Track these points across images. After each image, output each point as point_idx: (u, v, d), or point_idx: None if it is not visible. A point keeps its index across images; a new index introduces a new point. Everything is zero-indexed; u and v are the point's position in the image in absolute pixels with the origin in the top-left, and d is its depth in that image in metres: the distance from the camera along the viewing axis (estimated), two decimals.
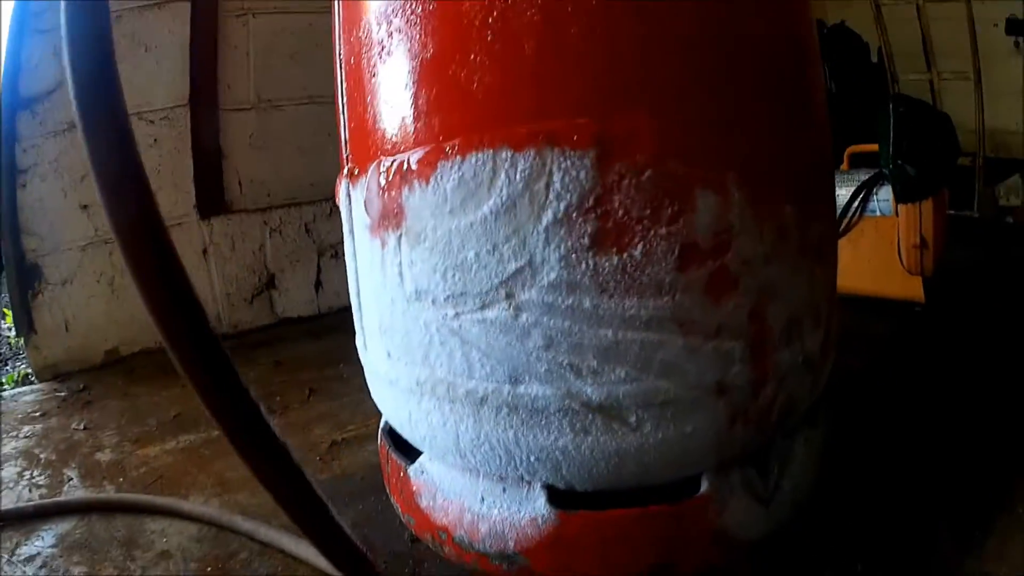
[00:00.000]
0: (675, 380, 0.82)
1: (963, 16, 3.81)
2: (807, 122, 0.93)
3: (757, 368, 0.87)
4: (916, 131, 2.31)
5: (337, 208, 3.09)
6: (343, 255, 2.92)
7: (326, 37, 2.93)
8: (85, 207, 2.54)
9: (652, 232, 0.76)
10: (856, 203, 2.36)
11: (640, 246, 0.76)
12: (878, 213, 2.37)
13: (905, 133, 2.29)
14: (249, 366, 2.30)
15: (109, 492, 1.52)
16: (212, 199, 2.76)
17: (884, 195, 2.36)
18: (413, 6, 0.83)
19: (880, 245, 2.39)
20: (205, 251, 2.72)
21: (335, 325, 2.52)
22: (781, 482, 1.01)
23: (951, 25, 3.89)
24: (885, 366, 1.86)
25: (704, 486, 0.92)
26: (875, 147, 2.30)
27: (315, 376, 2.10)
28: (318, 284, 2.91)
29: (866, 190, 2.35)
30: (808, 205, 0.91)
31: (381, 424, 1.21)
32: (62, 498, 1.49)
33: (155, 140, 2.73)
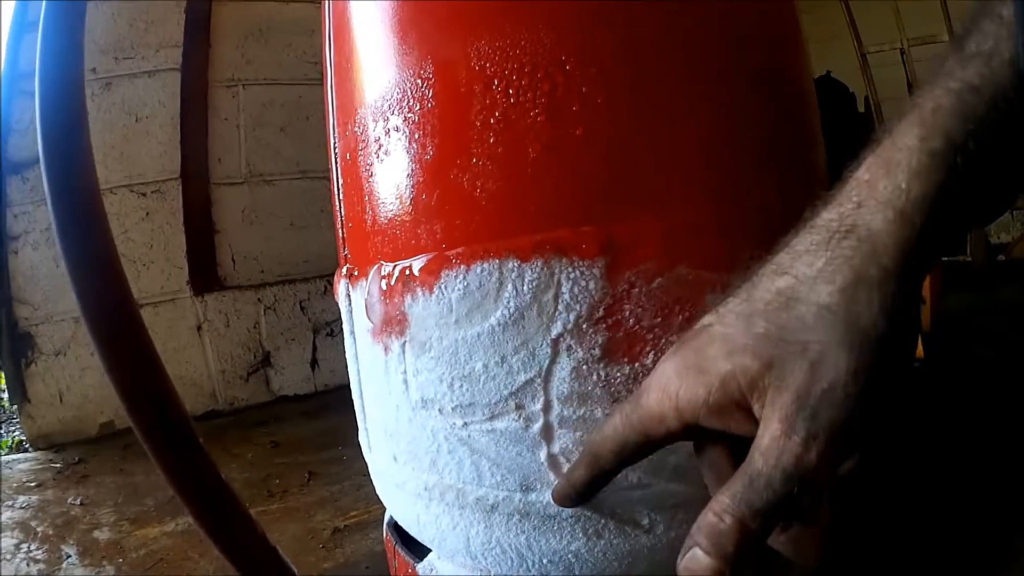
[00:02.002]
0: (686, 482, 0.80)
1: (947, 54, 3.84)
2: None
3: None
4: None
5: (331, 286, 3.10)
6: (338, 334, 2.90)
7: (316, 110, 2.96)
8: None
9: (663, 340, 0.75)
10: None
11: (652, 354, 0.75)
12: None
13: None
14: (247, 446, 2.29)
15: (109, 573, 1.50)
16: (205, 275, 2.77)
17: None
18: (411, 103, 0.81)
19: None
20: (199, 328, 2.72)
21: (332, 404, 2.53)
22: (790, 565, 1.00)
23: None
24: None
25: None
26: None
27: (314, 458, 2.09)
28: (314, 362, 2.90)
29: None
30: None
31: (386, 518, 1.19)
32: None
33: (147, 213, 2.74)
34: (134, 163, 2.69)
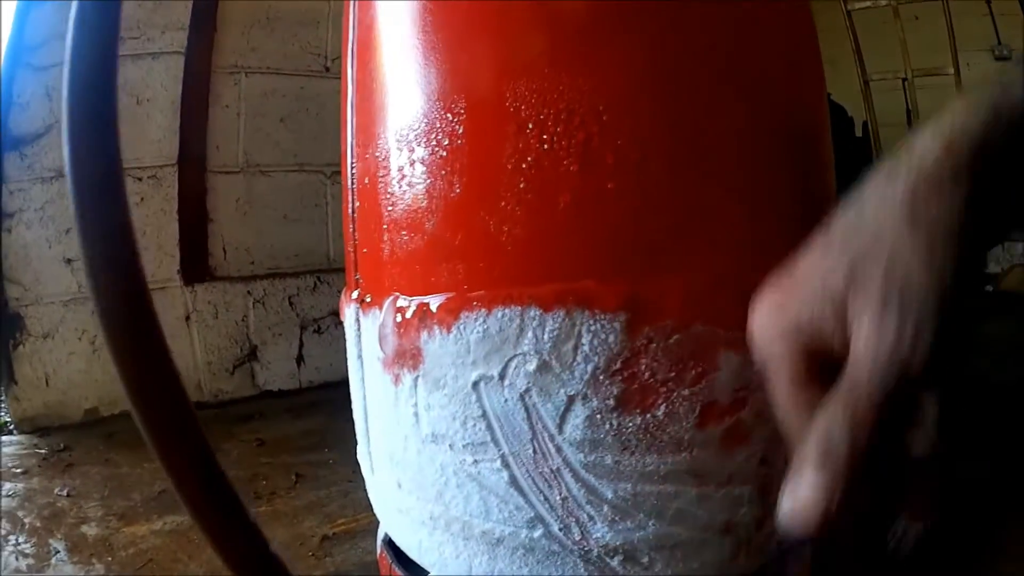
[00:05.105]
0: (687, 525, 0.82)
1: (950, 84, 3.86)
2: None
3: (763, 506, 0.86)
4: None
5: (321, 283, 3.07)
6: (325, 331, 2.89)
7: (316, 102, 2.94)
8: (69, 261, 2.53)
9: (675, 393, 0.76)
10: None
11: (663, 407, 0.76)
12: None
13: None
14: (232, 442, 2.28)
15: (99, 572, 1.50)
16: (197, 265, 2.75)
17: None
18: (440, 137, 0.81)
19: None
20: (188, 318, 2.70)
21: (317, 402, 2.52)
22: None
23: (937, 93, 3.93)
24: None
25: None
26: None
27: (300, 460, 2.09)
28: (300, 359, 2.88)
29: None
30: None
31: (380, 534, 1.19)
32: (53, 574, 1.48)
33: (142, 199, 2.71)
34: (132, 147, 2.66)
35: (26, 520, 1.70)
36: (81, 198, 0.97)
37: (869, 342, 0.47)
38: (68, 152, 0.95)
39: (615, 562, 0.82)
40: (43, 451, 2.24)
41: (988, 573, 1.25)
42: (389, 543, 1.16)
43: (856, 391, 0.48)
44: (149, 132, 2.69)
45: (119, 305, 1.03)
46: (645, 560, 0.83)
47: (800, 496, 0.49)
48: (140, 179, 2.66)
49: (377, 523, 1.16)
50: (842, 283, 0.49)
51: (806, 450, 0.50)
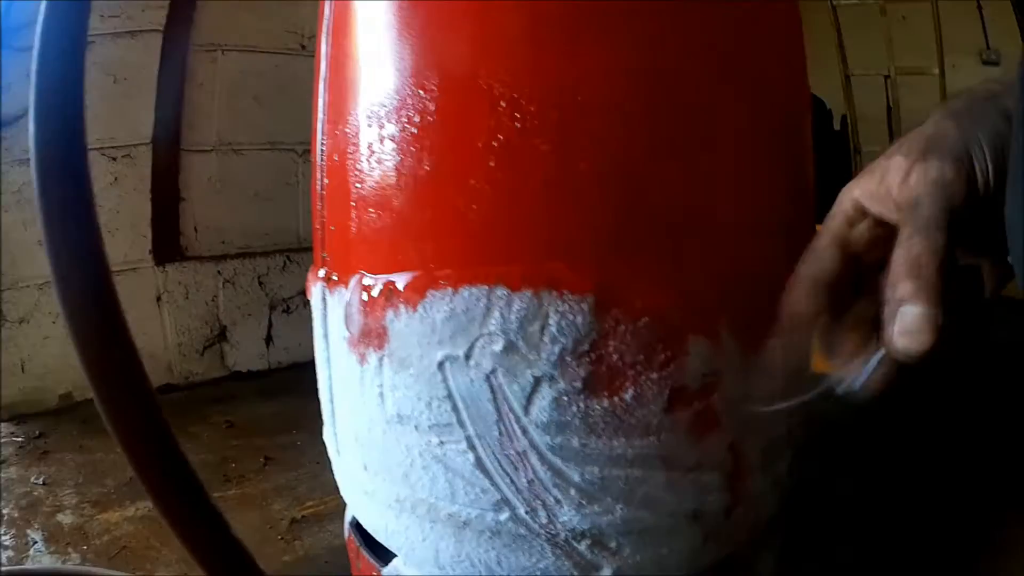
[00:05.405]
0: (655, 510, 0.82)
1: (934, 83, 3.86)
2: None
3: (732, 495, 0.87)
4: None
5: (290, 262, 3.01)
6: (294, 311, 2.85)
7: (290, 81, 2.88)
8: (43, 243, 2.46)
9: (643, 377, 0.76)
10: None
11: (631, 390, 0.76)
12: None
13: None
14: (202, 425, 2.26)
15: (75, 561, 1.48)
16: (168, 244, 2.70)
17: None
18: (410, 113, 0.79)
19: None
20: (159, 298, 2.66)
21: (286, 384, 2.50)
22: None
23: (920, 92, 3.92)
24: (846, 460, 1.87)
25: None
26: None
27: (269, 442, 2.06)
28: (269, 339, 2.85)
29: None
30: None
31: (347, 517, 1.18)
32: (31, 566, 1.46)
33: (115, 178, 2.65)
34: (107, 126, 2.60)
35: (4, 511, 1.68)
36: (47, 194, 0.96)
37: (920, 181, 0.58)
38: (34, 140, 0.93)
39: (583, 546, 0.82)
40: (19, 439, 2.21)
41: (988, 573, 1.26)
42: (356, 526, 1.15)
43: (921, 224, 0.57)
44: (125, 111, 2.63)
45: (83, 294, 1.01)
46: (613, 545, 0.82)
47: (917, 327, 0.57)
48: (115, 158, 2.62)
49: (345, 506, 1.15)
50: (895, 157, 0.61)
51: (900, 274, 0.58)
